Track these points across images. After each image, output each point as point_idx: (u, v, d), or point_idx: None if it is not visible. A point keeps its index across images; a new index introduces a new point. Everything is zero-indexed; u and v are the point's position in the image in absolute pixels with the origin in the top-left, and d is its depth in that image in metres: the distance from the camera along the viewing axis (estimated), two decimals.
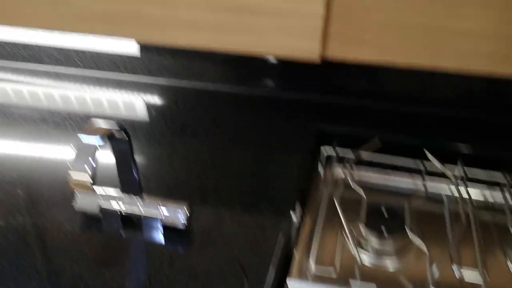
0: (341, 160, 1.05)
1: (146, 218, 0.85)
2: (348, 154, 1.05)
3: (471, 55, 0.67)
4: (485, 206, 0.95)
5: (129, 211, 0.83)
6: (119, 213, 0.86)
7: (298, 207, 0.89)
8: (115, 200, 0.83)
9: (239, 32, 0.72)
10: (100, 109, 1.17)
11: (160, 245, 0.81)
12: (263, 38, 0.71)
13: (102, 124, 0.71)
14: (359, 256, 0.83)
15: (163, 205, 0.82)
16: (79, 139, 0.67)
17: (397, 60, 0.69)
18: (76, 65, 1.30)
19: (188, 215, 0.82)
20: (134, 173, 0.82)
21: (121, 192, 0.84)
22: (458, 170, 1.00)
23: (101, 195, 0.84)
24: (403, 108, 1.15)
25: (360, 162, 1.03)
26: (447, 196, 0.97)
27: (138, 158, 1.00)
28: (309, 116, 1.11)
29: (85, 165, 0.66)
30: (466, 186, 0.98)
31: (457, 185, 0.97)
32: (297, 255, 0.83)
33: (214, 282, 0.74)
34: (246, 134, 1.07)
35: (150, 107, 1.18)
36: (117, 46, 1.25)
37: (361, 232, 0.86)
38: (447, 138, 1.04)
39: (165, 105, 1.18)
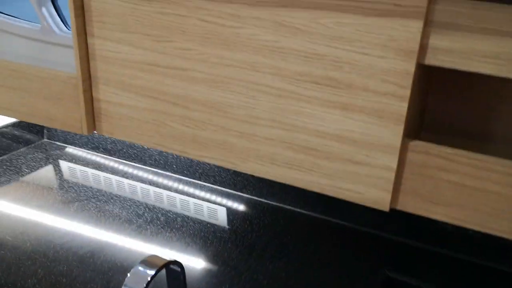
0: None
1: None
2: None
3: None
4: None
5: None
6: None
7: None
8: None
9: (312, 172, 0.75)
10: (185, 211, 1.24)
11: None
12: (335, 181, 0.73)
13: (158, 260, 0.76)
14: None
15: None
16: (135, 269, 0.72)
17: (470, 225, 0.67)
18: (172, 170, 1.41)
19: None
20: None
21: None
22: None
23: None
24: (486, 263, 1.06)
25: None
26: None
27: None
28: (379, 257, 1.08)
29: None
30: None
31: None
32: None
33: None
34: (313, 263, 1.06)
35: (231, 215, 1.22)
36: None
37: None
38: None
39: (243, 217, 1.22)
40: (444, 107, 0.86)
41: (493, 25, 0.59)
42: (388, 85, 0.65)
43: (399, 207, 0.71)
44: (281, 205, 1.28)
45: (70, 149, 1.51)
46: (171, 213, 1.26)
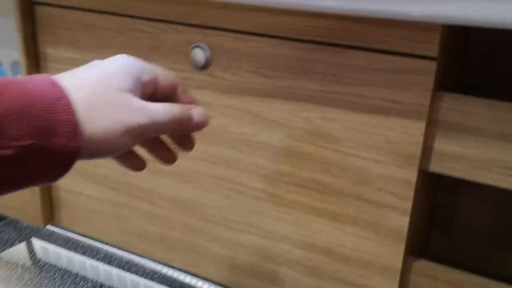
0: None
1: None
2: None
3: None
4: None
5: None
6: None
7: None
8: None
9: None
10: None
11: None
12: None
13: None
14: None
15: None
16: None
17: None
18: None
19: None
20: None
21: None
22: None
23: None
24: None
25: None
26: None
27: None
28: None
29: None
30: None
31: None
32: None
33: None
34: None
35: None
36: None
37: None
38: None
39: None
40: (457, 200, 0.73)
41: None
42: (385, 195, 0.53)
43: None
44: None
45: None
46: None
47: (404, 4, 0.43)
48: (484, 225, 0.70)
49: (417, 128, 0.50)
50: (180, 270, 0.76)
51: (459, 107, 0.48)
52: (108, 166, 0.72)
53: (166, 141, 0.45)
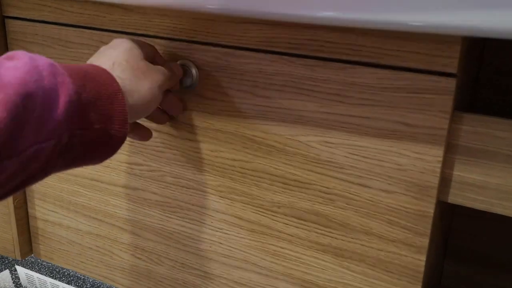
0: None
1: None
2: None
3: None
4: None
5: None
6: None
7: None
8: None
9: None
10: None
11: None
12: None
13: None
14: None
15: None
16: None
17: None
18: None
19: None
20: None
21: None
22: None
23: None
24: None
25: None
26: None
27: None
28: None
29: None
30: None
31: None
32: None
33: None
34: None
35: None
36: None
37: None
38: None
39: None
40: (470, 229, 0.67)
41: None
42: (397, 229, 0.47)
43: None
44: None
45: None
46: None
47: (418, 14, 0.36)
48: (500, 252, 0.64)
49: (434, 154, 0.43)
50: None
51: (482, 130, 0.42)
52: (88, 194, 0.66)
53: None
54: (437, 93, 0.42)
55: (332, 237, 0.50)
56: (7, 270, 1.24)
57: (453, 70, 0.40)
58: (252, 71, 0.50)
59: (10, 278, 1.22)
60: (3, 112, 0.32)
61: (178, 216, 0.60)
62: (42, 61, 0.37)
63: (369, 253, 0.49)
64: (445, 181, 0.44)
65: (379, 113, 0.45)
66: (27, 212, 0.73)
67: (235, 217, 0.56)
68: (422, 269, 0.47)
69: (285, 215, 0.52)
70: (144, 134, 0.54)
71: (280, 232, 0.53)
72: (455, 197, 0.44)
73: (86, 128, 0.39)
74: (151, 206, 0.61)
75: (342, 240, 0.50)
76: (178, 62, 0.53)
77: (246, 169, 0.53)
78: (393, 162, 0.45)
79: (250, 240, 0.56)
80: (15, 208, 0.71)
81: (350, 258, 0.50)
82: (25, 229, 0.74)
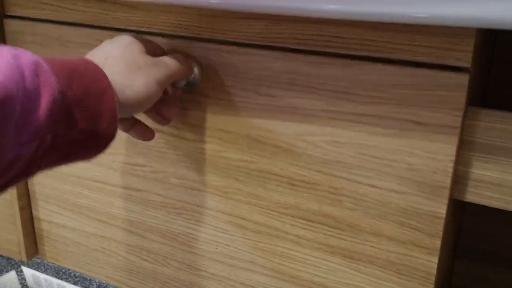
0: None
1: None
2: None
3: None
4: None
5: None
6: None
7: None
8: None
9: None
10: None
11: None
12: None
13: None
14: None
15: None
16: None
17: None
18: None
19: None
20: None
21: None
22: None
23: None
24: None
25: None
26: None
27: None
28: None
29: None
30: None
31: None
32: None
33: None
34: None
35: None
36: None
37: None
38: None
39: None
40: (481, 227, 0.65)
41: None
42: (408, 231, 0.45)
43: None
44: None
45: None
46: None
47: (430, 5, 0.35)
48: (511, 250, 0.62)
49: (446, 153, 0.42)
50: None
51: (499, 126, 0.40)
52: (92, 196, 0.65)
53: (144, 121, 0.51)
54: (450, 89, 0.40)
55: (341, 239, 0.49)
56: (13, 271, 1.24)
57: (466, 64, 0.39)
58: (257, 68, 0.48)
59: (17, 279, 1.22)
60: None
61: (183, 218, 0.58)
62: (26, 58, 0.35)
63: (379, 255, 0.47)
64: (460, 179, 0.43)
65: (389, 111, 0.43)
66: (31, 214, 0.72)
67: (241, 218, 0.54)
68: (434, 271, 0.45)
69: (292, 216, 0.51)
70: (145, 133, 0.52)
71: (287, 233, 0.52)
72: (470, 195, 0.43)
73: (71, 128, 0.38)
74: (155, 208, 0.60)
75: (351, 241, 0.48)
76: None
77: (251, 169, 0.52)
78: (404, 161, 0.44)
79: (256, 241, 0.54)
80: (20, 209, 0.70)
81: (359, 259, 0.49)
82: (30, 230, 0.73)
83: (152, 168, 0.59)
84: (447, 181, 0.42)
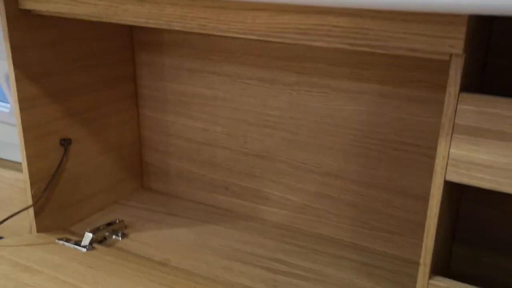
0: None
1: None
2: None
3: None
4: None
5: None
6: None
7: None
8: None
9: None
10: None
11: None
12: None
13: None
14: None
15: None
16: None
17: None
18: None
19: None
20: None
21: None
22: None
23: None
24: None
25: None
26: None
27: None
28: None
29: None
30: None
31: None
32: None
33: None
34: None
35: None
36: None
37: None
38: None
39: None
40: (478, 212, 0.67)
41: None
42: None
43: None
44: None
45: None
46: None
47: None
48: (508, 236, 0.65)
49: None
50: None
51: (488, 110, 0.42)
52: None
53: None
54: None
55: None
56: None
57: (459, 51, 0.41)
58: None
59: None
60: None
61: None
62: None
63: None
64: (453, 161, 0.45)
65: None
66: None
67: None
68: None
69: None
70: None
71: None
72: (463, 177, 0.45)
73: None
74: None
75: None
76: None
77: None
78: None
79: None
80: (33, 196, 0.73)
81: None
82: None
83: None
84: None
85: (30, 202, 0.73)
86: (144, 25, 0.57)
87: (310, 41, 0.48)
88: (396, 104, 0.66)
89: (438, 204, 0.47)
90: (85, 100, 0.79)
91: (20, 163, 0.72)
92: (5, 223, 0.74)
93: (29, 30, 0.68)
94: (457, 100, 0.43)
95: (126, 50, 0.85)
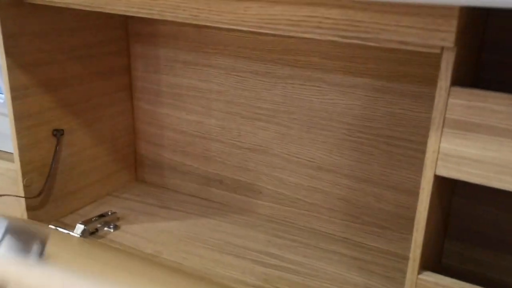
0: None
1: None
2: None
3: None
4: None
5: None
6: None
7: None
8: None
9: None
10: None
11: None
12: None
13: None
14: None
15: None
16: None
17: None
18: None
19: None
20: None
21: None
22: None
23: None
24: None
25: None
26: None
27: None
28: None
29: None
30: None
31: None
32: None
33: None
34: None
35: None
36: None
37: None
38: None
39: None
40: (470, 208, 0.67)
41: None
42: None
43: None
44: None
45: None
46: None
47: None
48: (500, 232, 0.65)
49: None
50: None
51: (478, 104, 0.42)
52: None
53: None
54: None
55: None
56: None
57: (450, 44, 0.41)
58: None
59: None
60: None
61: None
62: None
63: None
64: (443, 156, 0.45)
65: None
66: None
67: None
68: None
69: None
70: None
71: None
72: (452, 172, 0.45)
73: None
74: None
75: None
76: None
77: None
78: None
79: None
80: (25, 186, 0.73)
81: None
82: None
83: None
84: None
85: (21, 193, 0.72)
86: (136, 14, 0.57)
87: (301, 33, 0.48)
88: (389, 98, 0.66)
89: (428, 199, 0.46)
90: (79, 91, 0.78)
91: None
92: None
93: (21, 18, 0.67)
94: (448, 94, 0.43)
95: (121, 41, 0.85)
